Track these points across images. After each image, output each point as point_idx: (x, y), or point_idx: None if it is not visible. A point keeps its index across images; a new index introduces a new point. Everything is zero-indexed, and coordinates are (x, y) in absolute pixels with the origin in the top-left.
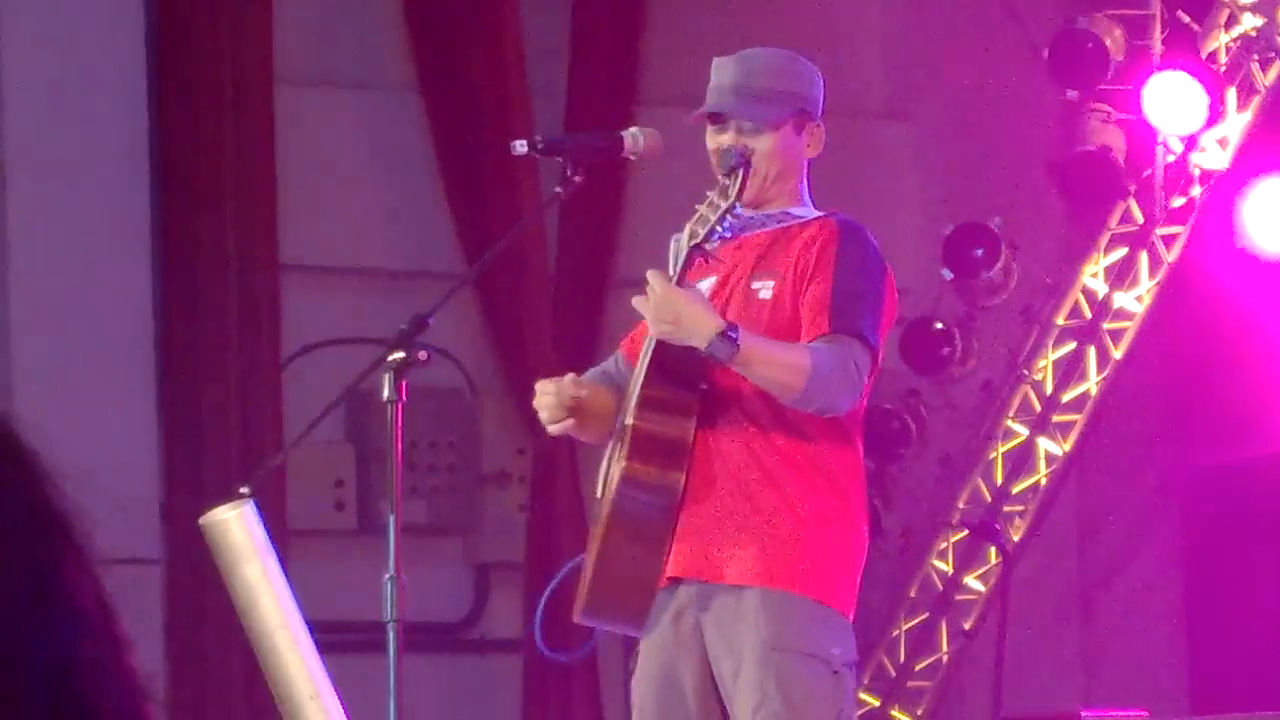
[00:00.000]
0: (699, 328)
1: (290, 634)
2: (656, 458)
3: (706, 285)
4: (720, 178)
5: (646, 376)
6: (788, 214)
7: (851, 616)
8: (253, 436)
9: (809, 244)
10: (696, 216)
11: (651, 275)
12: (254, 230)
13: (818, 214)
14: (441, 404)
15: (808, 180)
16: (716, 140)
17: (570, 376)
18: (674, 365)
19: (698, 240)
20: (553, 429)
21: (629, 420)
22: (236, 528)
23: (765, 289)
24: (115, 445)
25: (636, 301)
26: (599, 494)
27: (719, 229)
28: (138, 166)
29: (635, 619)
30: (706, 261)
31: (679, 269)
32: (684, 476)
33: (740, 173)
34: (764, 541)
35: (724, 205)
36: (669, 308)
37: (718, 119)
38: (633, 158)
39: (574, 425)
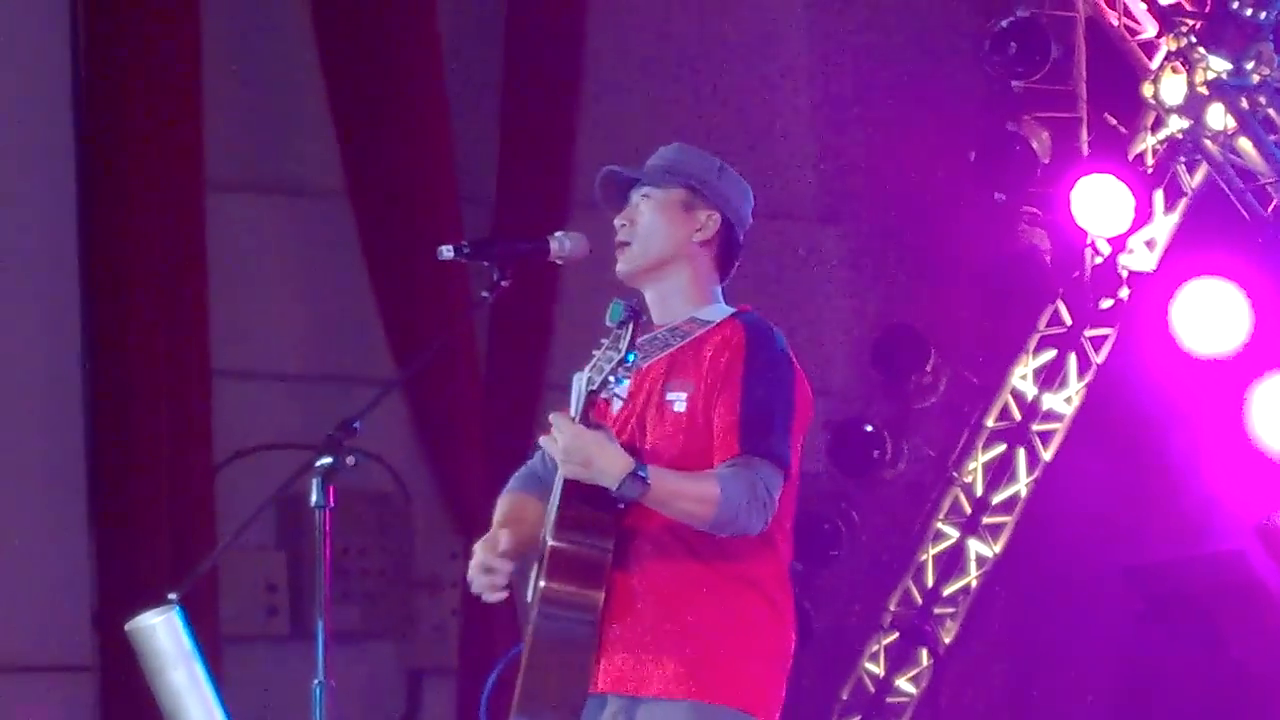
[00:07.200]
0: (609, 469)
1: None
2: (575, 578)
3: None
4: (612, 328)
5: (564, 495)
6: (695, 319)
7: None
8: (185, 542)
9: (719, 351)
10: (593, 363)
11: (555, 418)
12: (185, 336)
13: (727, 311)
14: (373, 509)
15: (720, 278)
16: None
17: (499, 543)
18: (591, 484)
19: (594, 389)
20: (489, 599)
21: (548, 539)
22: (162, 633)
23: (679, 401)
24: (47, 552)
25: (544, 441)
26: (528, 599)
27: (612, 380)
28: (69, 273)
29: (568, 718)
30: (608, 404)
31: (580, 409)
32: (604, 594)
33: (631, 324)
34: (689, 653)
35: (615, 357)
36: (579, 451)
37: (612, 196)
38: (559, 262)
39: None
